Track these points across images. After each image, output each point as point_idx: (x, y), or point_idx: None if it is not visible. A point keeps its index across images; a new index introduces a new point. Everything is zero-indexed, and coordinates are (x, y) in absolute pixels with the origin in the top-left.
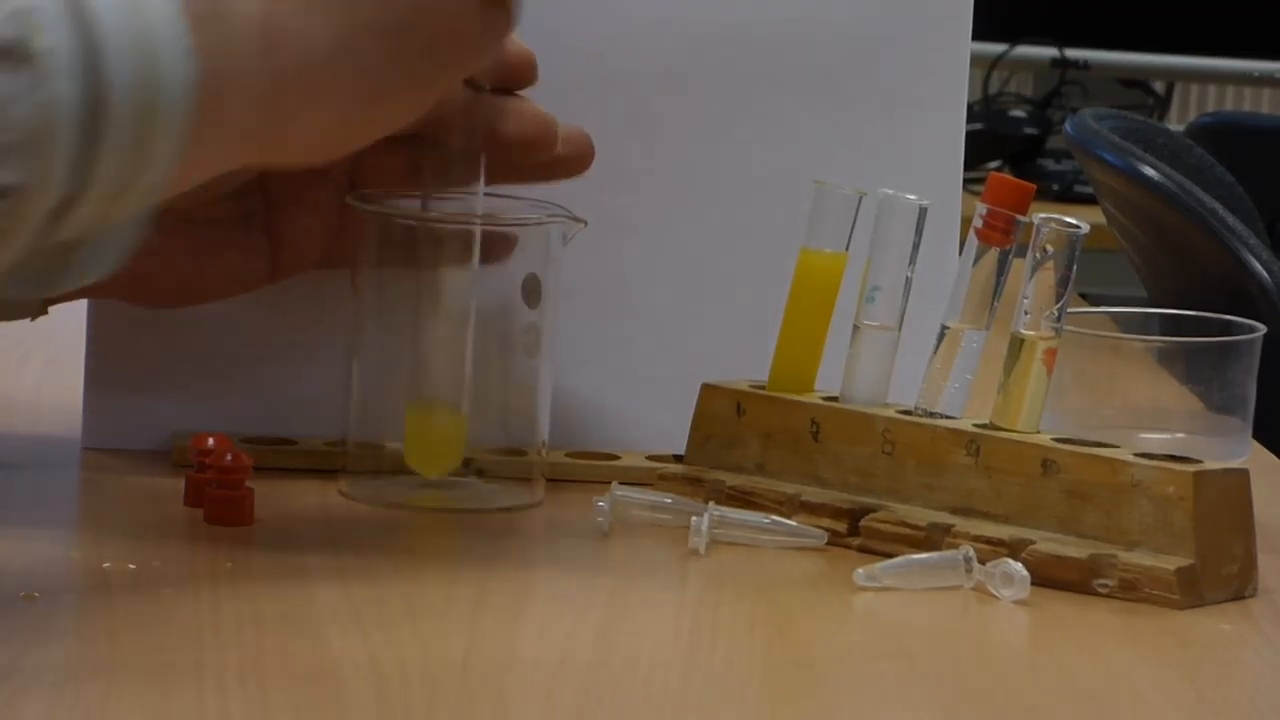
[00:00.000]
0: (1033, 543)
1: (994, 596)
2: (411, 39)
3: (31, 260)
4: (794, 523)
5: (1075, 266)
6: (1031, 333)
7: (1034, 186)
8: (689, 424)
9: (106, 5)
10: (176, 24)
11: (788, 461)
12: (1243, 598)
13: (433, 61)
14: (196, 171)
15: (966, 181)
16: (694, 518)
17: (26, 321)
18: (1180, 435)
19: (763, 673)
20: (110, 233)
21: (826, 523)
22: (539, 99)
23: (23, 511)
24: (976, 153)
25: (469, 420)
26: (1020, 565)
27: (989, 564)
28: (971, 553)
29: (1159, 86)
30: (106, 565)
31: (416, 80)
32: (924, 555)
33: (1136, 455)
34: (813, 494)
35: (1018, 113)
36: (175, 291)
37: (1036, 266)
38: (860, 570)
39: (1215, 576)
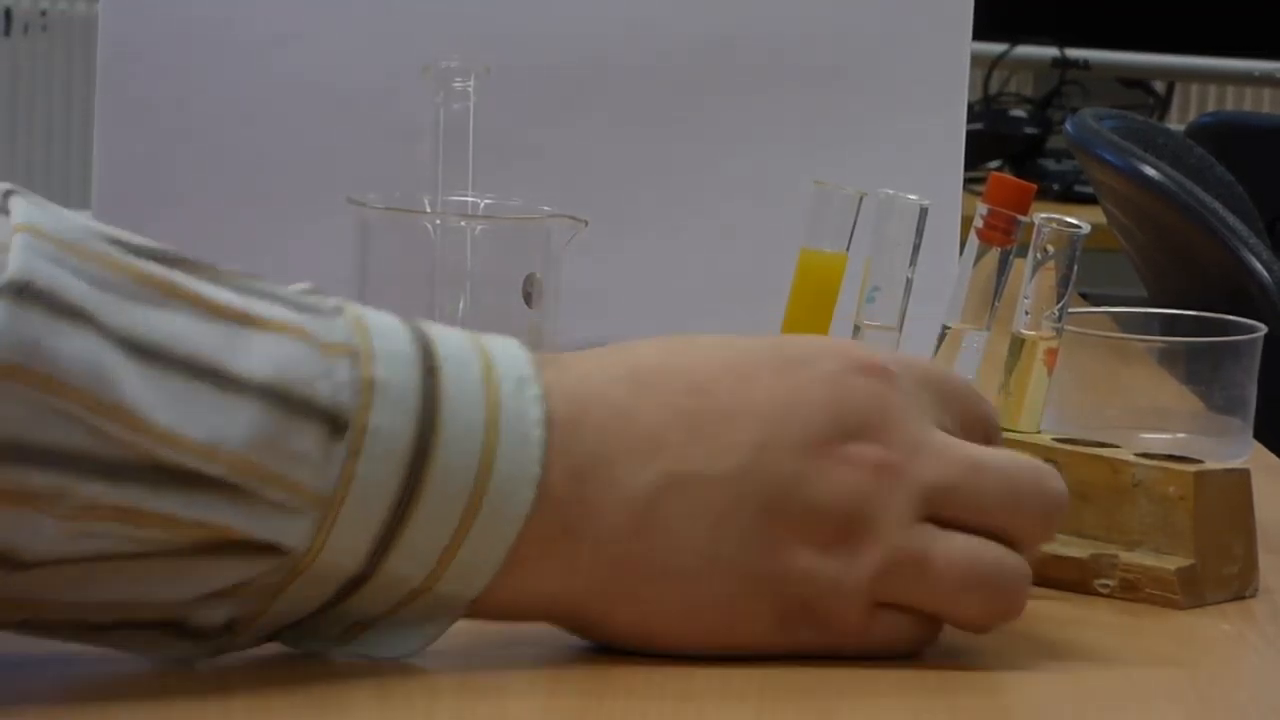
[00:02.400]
0: None
1: None
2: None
3: (326, 623)
4: None
5: (1076, 266)
6: (1032, 333)
7: (1034, 186)
8: None
9: (461, 389)
10: (538, 427)
11: None
12: (1243, 598)
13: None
14: (502, 607)
15: (967, 181)
16: None
17: None
18: (1181, 435)
19: (762, 672)
20: (404, 624)
21: None
22: (539, 97)
23: None
24: (977, 153)
25: None
26: None
27: None
28: None
29: (1159, 86)
30: None
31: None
32: None
33: (1137, 455)
34: None
35: (1018, 113)
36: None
37: (1037, 266)
38: None
39: (1216, 576)
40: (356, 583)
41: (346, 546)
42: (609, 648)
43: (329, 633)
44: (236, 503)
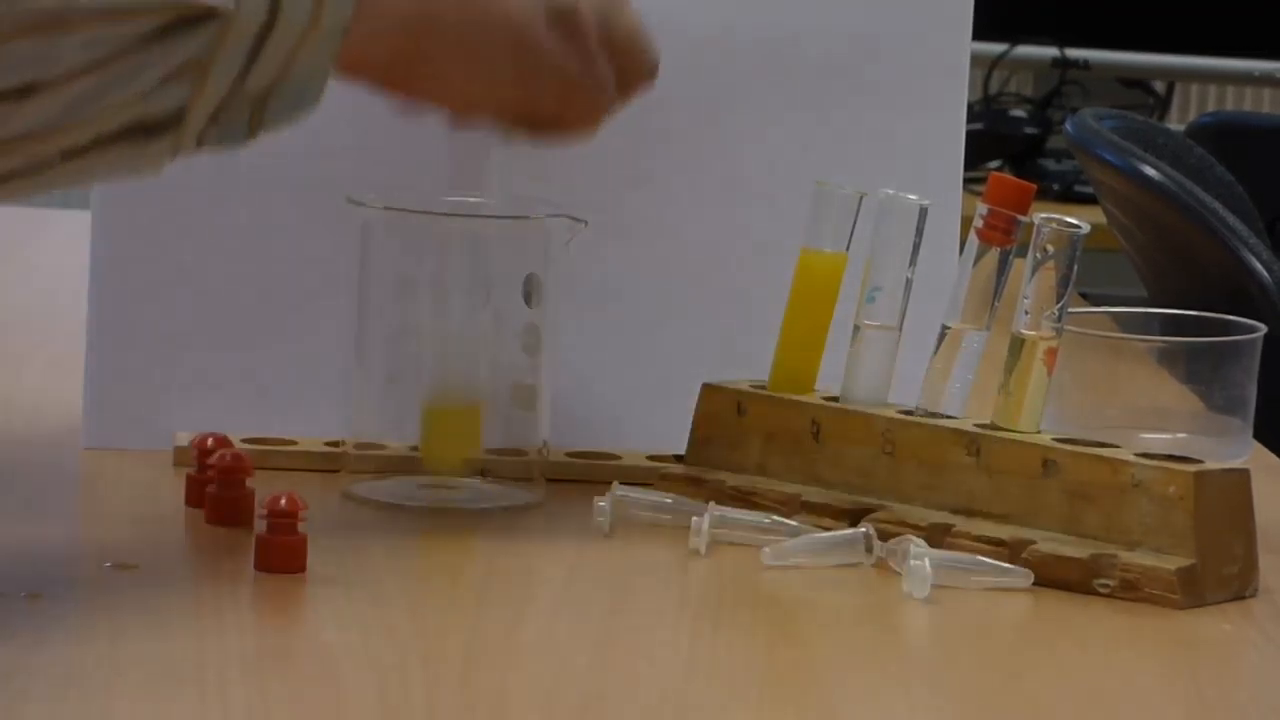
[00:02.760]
0: (1033, 543)
1: (993, 596)
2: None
3: (232, 110)
4: (795, 523)
5: (1076, 266)
6: (1032, 333)
7: (1034, 186)
8: (689, 424)
9: None
10: None
11: (788, 461)
12: (1243, 598)
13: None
14: (357, 45)
15: (966, 181)
16: (694, 518)
17: (26, 323)
18: (1181, 435)
19: (763, 673)
20: (298, 82)
21: (827, 523)
22: None
23: (23, 512)
24: (976, 153)
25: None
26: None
27: (890, 541)
28: (871, 530)
29: (1159, 86)
30: (107, 565)
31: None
32: (828, 534)
33: (1137, 455)
34: (813, 494)
35: (1018, 113)
36: None
37: (1037, 266)
38: (767, 549)
39: (1216, 576)
40: (262, 37)
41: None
42: (609, 648)
43: (240, 119)
44: None
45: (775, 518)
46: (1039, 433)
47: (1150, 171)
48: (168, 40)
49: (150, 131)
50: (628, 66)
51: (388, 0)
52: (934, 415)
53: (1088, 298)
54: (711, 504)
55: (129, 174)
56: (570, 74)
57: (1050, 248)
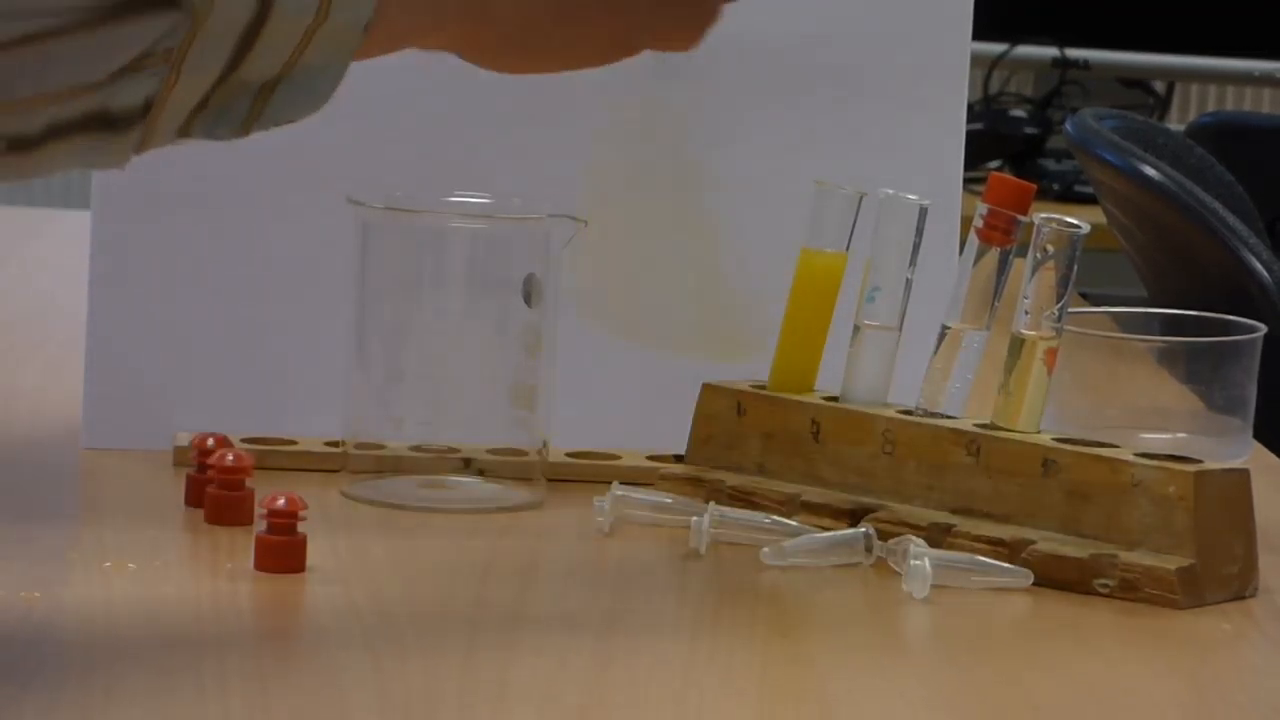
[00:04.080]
0: (1033, 542)
1: (993, 596)
2: None
3: (230, 101)
4: (795, 523)
5: (1076, 266)
6: (1032, 333)
7: (1034, 186)
8: (689, 424)
9: None
10: None
11: (788, 461)
12: (1243, 598)
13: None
14: (392, 35)
15: (966, 181)
16: (694, 518)
17: (26, 323)
18: (1181, 435)
19: (763, 672)
20: (307, 76)
21: (827, 523)
22: (540, 98)
23: (23, 512)
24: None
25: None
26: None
27: (890, 541)
28: (871, 530)
29: (1159, 86)
30: (107, 565)
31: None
32: (827, 534)
33: (1137, 455)
34: (813, 494)
35: (1018, 113)
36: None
37: (1037, 266)
38: (767, 549)
39: (1215, 576)
40: (252, 33)
41: None
42: (609, 648)
43: (237, 110)
44: None
45: (775, 518)
46: (1039, 433)
47: (1150, 171)
48: (119, 23)
49: (111, 123)
50: None
51: None
52: (934, 415)
53: (1088, 298)
54: (711, 504)
55: (87, 166)
56: None
57: (1050, 248)
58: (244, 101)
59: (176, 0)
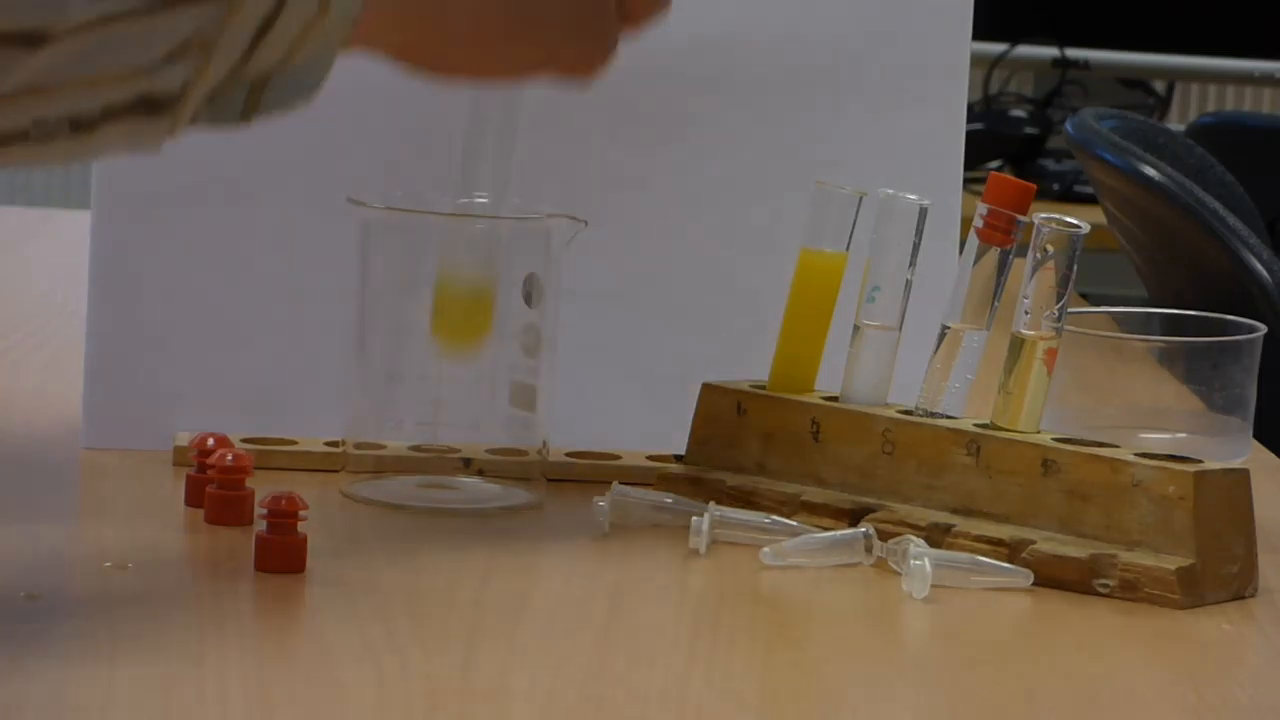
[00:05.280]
0: (1033, 543)
1: (993, 596)
2: None
3: (230, 91)
4: (795, 523)
5: (1076, 266)
6: (1032, 333)
7: (1034, 186)
8: (689, 424)
9: None
10: None
11: (788, 461)
12: (1243, 597)
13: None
14: (372, 25)
15: (966, 181)
16: (694, 518)
17: (26, 323)
18: (1181, 435)
19: (763, 673)
20: (301, 69)
21: (827, 523)
22: (540, 97)
23: (23, 512)
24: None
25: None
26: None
27: (890, 541)
28: (871, 530)
29: (1159, 86)
30: (106, 565)
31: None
32: (828, 534)
33: (1137, 455)
34: (813, 494)
35: (1018, 113)
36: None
37: (1037, 266)
38: (767, 549)
39: (1215, 576)
40: (267, 23)
41: None
42: (609, 648)
43: (236, 100)
44: None
45: (775, 518)
46: (1039, 433)
47: (1150, 171)
48: (175, 8)
49: (154, 108)
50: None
51: None
52: (934, 415)
53: (1088, 298)
54: (711, 504)
55: (130, 151)
56: (584, 17)
57: (1050, 248)
58: (241, 92)
59: None
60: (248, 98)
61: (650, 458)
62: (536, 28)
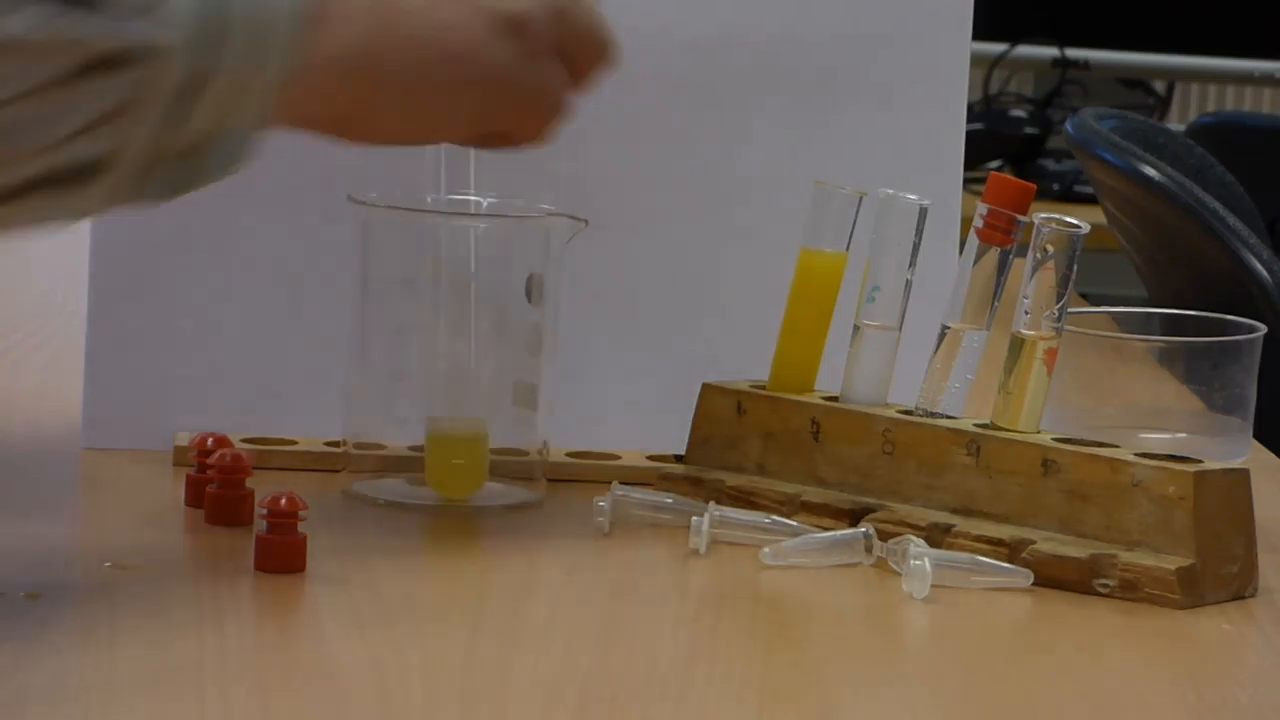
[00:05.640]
0: (1033, 542)
1: (993, 596)
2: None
3: (168, 162)
4: (795, 523)
5: (1076, 266)
6: (1032, 333)
7: (1034, 186)
8: (689, 424)
9: None
10: None
11: (788, 461)
12: (1243, 597)
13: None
14: (299, 98)
15: (966, 181)
16: (694, 518)
17: (26, 323)
18: (1181, 435)
19: (762, 673)
20: (235, 135)
21: (827, 523)
22: None
23: (23, 512)
24: (976, 153)
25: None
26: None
27: (890, 541)
28: (871, 530)
29: (1159, 86)
30: (106, 565)
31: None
32: (827, 534)
33: (1137, 455)
34: (813, 494)
35: (1018, 113)
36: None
37: (1037, 266)
38: (767, 549)
39: (1215, 576)
40: (198, 89)
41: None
42: (609, 648)
43: (175, 175)
44: (102, 13)
45: (775, 518)
46: (1039, 433)
47: (1150, 171)
48: (95, 78)
49: (79, 176)
50: (586, 58)
51: (324, 52)
52: (934, 415)
53: (1088, 298)
54: (711, 504)
55: (55, 223)
56: (521, 86)
57: (1050, 248)
58: (174, 165)
59: (150, 52)
60: (183, 169)
61: (650, 458)
62: (472, 100)
